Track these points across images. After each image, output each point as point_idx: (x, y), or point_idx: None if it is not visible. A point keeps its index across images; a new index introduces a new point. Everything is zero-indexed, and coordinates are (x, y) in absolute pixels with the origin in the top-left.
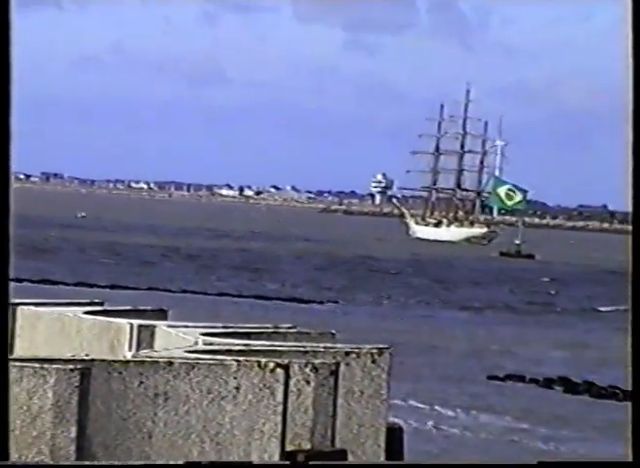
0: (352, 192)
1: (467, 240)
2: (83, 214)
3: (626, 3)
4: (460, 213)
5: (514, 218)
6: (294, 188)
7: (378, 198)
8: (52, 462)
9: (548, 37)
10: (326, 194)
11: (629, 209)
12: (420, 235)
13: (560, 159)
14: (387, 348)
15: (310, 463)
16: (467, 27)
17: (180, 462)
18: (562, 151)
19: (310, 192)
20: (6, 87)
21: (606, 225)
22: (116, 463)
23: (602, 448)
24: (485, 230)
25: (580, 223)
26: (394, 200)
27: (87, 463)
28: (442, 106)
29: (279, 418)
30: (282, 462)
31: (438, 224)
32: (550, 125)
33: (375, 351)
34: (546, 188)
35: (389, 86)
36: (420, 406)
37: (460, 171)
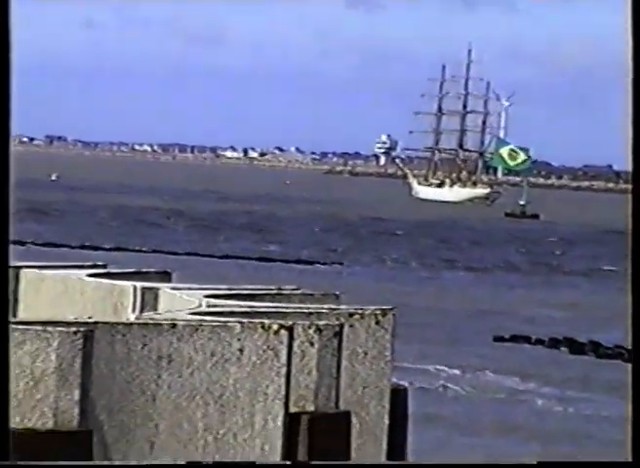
0: (356, 153)
1: (470, 200)
2: (55, 176)
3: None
4: (463, 173)
5: (518, 179)
6: (298, 150)
7: (382, 159)
8: (55, 427)
9: None
10: (330, 155)
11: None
12: (422, 195)
13: (565, 119)
14: (391, 309)
15: (313, 463)
16: None
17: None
18: (566, 111)
19: (315, 153)
20: (6, 53)
21: (611, 185)
22: (116, 463)
23: (608, 407)
24: (488, 190)
25: (585, 183)
26: (397, 161)
27: (87, 463)
28: (444, 67)
29: (283, 380)
30: (284, 462)
31: (441, 185)
32: (554, 84)
33: (378, 312)
34: (551, 148)
35: (393, 46)
36: (426, 367)
37: (463, 131)
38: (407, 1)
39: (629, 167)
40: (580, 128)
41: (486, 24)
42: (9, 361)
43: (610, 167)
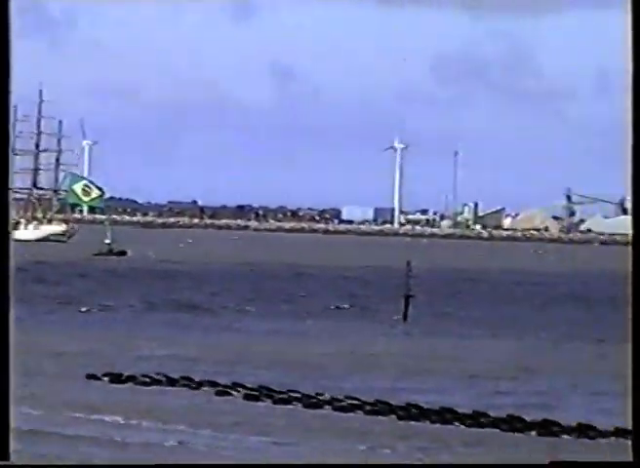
0: None
1: (46, 238)
2: None
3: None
4: (39, 211)
5: (104, 216)
6: None
7: None
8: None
9: (138, 35)
10: None
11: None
12: None
13: (152, 156)
14: None
15: (315, 464)
16: (57, 28)
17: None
18: (153, 147)
19: None
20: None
21: (196, 221)
22: (116, 463)
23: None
24: (64, 227)
25: (172, 219)
26: None
27: (87, 464)
28: (15, 107)
29: None
30: (281, 463)
31: (16, 225)
32: (143, 122)
33: None
34: (138, 185)
35: None
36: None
37: (36, 170)
38: None
39: (213, 202)
40: (166, 165)
41: (73, 65)
42: (9, 361)
43: (195, 202)
